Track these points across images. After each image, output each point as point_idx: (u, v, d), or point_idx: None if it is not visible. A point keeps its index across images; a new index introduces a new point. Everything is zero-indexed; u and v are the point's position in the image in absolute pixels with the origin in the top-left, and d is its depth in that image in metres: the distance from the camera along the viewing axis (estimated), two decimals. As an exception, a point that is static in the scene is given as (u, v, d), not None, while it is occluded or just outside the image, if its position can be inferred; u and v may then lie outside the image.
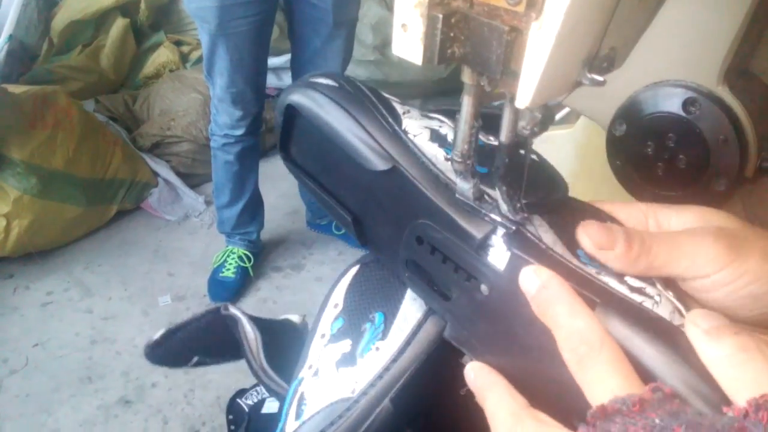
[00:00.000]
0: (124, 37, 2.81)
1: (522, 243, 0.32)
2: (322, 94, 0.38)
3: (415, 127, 0.38)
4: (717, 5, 0.50)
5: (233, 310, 0.50)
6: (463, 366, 0.34)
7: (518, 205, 0.32)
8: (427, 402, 0.41)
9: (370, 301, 0.41)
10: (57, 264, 2.17)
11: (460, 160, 0.33)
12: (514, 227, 0.32)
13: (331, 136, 0.38)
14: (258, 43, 1.72)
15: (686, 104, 0.52)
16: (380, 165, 0.36)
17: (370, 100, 0.38)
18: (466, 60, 0.28)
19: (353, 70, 2.84)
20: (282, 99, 0.41)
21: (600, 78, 0.27)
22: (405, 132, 0.37)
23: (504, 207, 0.32)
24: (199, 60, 2.76)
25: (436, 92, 3.22)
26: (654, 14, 0.30)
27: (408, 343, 0.38)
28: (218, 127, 1.88)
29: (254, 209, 2.09)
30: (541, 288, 0.29)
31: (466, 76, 0.30)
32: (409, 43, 0.28)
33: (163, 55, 2.90)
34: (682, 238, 0.31)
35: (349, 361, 0.39)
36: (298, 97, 0.39)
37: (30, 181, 2.00)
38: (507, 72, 0.27)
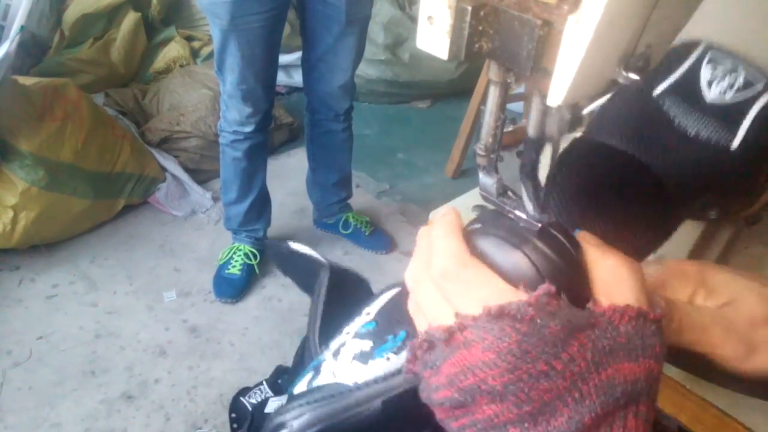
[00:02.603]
0: (135, 32, 2.81)
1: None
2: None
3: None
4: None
5: (325, 260, 0.61)
6: None
7: (541, 202, 0.32)
8: (415, 425, 0.43)
9: (401, 320, 0.47)
10: (63, 257, 2.16)
11: (483, 153, 0.31)
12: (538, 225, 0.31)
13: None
14: (270, 39, 1.71)
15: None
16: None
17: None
18: (495, 55, 0.27)
19: (363, 70, 2.83)
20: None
21: (637, 77, 0.26)
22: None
23: (529, 205, 0.32)
24: (210, 56, 2.76)
25: (447, 93, 3.20)
26: (692, 12, 0.28)
27: None
28: (227, 123, 1.87)
29: (261, 206, 2.09)
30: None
31: (493, 73, 0.28)
32: (435, 36, 0.27)
33: (173, 50, 2.90)
34: (713, 331, 0.36)
35: (362, 359, 0.45)
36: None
37: (38, 173, 2.00)
38: (537, 68, 0.26)
